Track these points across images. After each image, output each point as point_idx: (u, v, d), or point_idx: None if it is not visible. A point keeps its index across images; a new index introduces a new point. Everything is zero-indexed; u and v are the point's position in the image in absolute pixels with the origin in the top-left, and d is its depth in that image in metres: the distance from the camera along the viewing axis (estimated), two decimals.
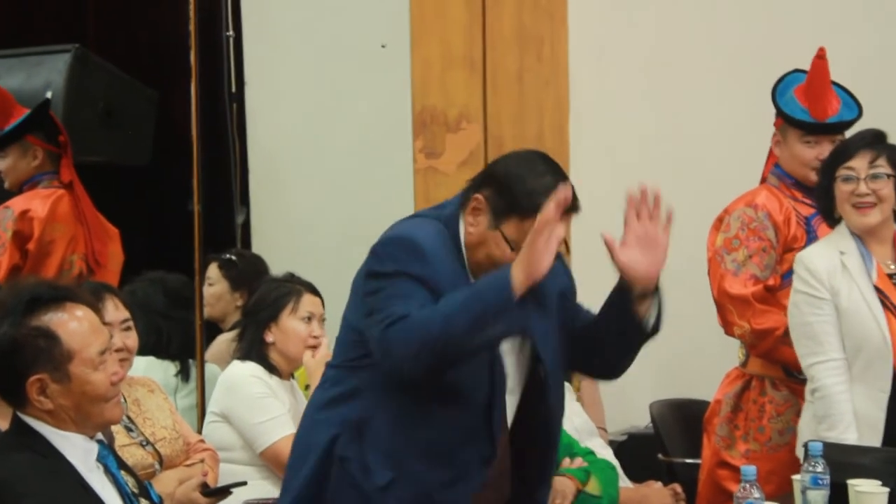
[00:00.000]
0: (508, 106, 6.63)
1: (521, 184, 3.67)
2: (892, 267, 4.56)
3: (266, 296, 5.00)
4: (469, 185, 3.77)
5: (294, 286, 5.00)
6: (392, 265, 3.57)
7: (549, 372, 3.73)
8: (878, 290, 4.48)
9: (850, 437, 4.41)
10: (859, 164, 4.53)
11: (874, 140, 4.58)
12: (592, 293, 6.41)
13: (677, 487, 4.78)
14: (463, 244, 3.70)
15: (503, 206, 3.67)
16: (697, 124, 6.41)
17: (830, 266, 4.51)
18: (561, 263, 3.81)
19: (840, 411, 4.43)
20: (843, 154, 4.59)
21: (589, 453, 4.39)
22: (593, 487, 4.20)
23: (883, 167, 4.52)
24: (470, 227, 3.70)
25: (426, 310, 3.48)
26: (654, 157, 6.50)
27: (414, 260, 3.57)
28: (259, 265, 6.16)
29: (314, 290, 4.98)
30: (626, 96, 6.57)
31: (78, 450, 3.17)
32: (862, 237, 4.56)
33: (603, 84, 6.62)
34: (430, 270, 3.57)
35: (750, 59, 6.28)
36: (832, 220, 4.65)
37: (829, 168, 4.61)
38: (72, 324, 3.16)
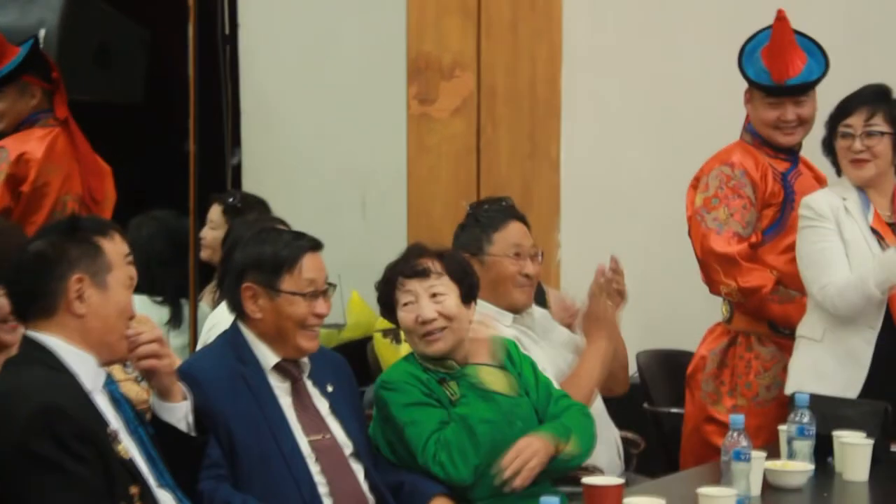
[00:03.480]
0: (502, 55, 6.64)
1: (271, 247, 3.83)
2: (889, 216, 4.69)
3: (239, 239, 5.00)
4: (226, 290, 3.88)
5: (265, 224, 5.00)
6: None
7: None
8: (873, 231, 4.63)
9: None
10: (856, 121, 4.69)
11: (873, 97, 4.71)
12: (582, 249, 6.46)
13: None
14: (256, 339, 3.80)
15: (270, 271, 3.79)
16: (690, 77, 6.42)
17: (833, 206, 4.66)
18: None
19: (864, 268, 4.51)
20: (843, 110, 4.75)
21: (563, 397, 4.18)
22: (573, 447, 3.97)
23: (878, 125, 4.67)
24: (255, 314, 3.80)
25: None
26: (646, 110, 6.52)
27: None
28: (261, 209, 6.14)
29: (285, 224, 4.96)
30: (618, 48, 6.57)
31: (89, 370, 3.21)
32: (862, 188, 4.71)
33: (596, 35, 6.61)
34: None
35: (743, 12, 6.27)
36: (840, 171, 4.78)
37: (831, 123, 4.77)
38: (112, 244, 3.32)
